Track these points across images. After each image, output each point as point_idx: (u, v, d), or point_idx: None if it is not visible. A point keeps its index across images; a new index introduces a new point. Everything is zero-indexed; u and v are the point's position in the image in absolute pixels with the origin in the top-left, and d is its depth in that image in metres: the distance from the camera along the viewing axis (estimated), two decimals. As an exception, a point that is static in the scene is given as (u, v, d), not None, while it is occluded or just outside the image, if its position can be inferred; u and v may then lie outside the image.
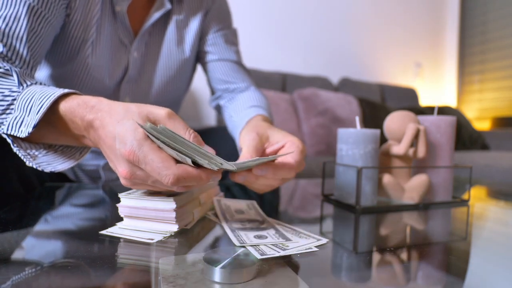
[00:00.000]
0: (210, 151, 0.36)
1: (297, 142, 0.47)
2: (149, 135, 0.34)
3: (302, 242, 0.37)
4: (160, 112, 0.37)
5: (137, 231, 0.39)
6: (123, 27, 0.70)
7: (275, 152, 0.48)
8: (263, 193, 0.47)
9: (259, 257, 0.32)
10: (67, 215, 0.50)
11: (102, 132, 0.38)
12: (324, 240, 0.38)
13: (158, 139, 0.33)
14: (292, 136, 0.49)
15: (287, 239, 0.37)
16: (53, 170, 0.46)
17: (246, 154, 0.46)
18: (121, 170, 0.36)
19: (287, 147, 0.47)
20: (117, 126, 0.36)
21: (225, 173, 0.83)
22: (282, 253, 0.33)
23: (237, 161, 0.39)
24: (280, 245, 0.36)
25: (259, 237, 0.38)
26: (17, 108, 0.45)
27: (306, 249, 0.35)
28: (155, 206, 0.39)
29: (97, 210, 0.54)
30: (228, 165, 0.35)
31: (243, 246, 0.34)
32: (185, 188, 0.36)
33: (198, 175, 0.34)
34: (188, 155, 0.33)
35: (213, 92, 0.87)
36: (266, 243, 0.36)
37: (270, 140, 0.49)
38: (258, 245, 0.35)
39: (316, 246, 0.36)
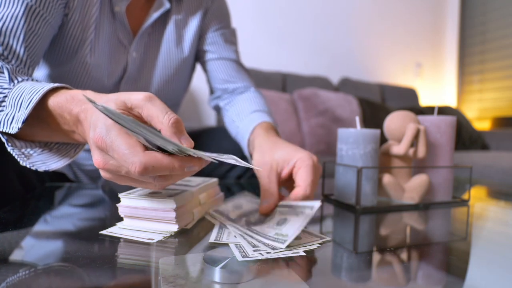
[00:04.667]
0: (187, 144, 0.33)
1: (305, 160, 0.47)
2: (111, 118, 0.30)
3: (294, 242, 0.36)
4: (137, 96, 0.35)
5: (137, 231, 0.39)
6: (122, 27, 0.69)
7: (289, 173, 0.49)
8: None
9: (240, 259, 0.31)
10: (67, 215, 0.50)
11: (86, 124, 0.37)
12: (316, 244, 0.38)
13: (112, 119, 0.30)
14: (299, 151, 0.49)
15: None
16: (47, 169, 0.46)
17: (267, 192, 0.47)
18: (94, 159, 0.34)
19: (298, 168, 0.47)
20: (93, 115, 0.35)
21: (220, 170, 0.83)
22: (266, 256, 0.32)
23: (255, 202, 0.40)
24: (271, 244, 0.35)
25: (284, 221, 0.37)
26: (8, 105, 0.44)
27: (292, 253, 0.34)
28: (155, 206, 0.39)
29: (97, 210, 0.54)
30: (199, 154, 0.32)
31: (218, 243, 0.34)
32: (162, 179, 0.33)
33: (169, 163, 0.31)
34: (140, 134, 0.30)
35: (212, 91, 0.87)
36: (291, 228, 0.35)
37: (280, 164, 0.50)
38: (242, 246, 0.34)
39: (308, 249, 0.36)
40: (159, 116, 0.33)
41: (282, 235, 0.35)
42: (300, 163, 0.47)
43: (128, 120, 0.29)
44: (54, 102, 0.42)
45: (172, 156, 0.32)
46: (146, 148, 0.32)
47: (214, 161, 0.33)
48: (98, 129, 0.32)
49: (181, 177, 0.35)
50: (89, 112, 0.37)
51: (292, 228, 0.35)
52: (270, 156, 0.51)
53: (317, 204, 0.37)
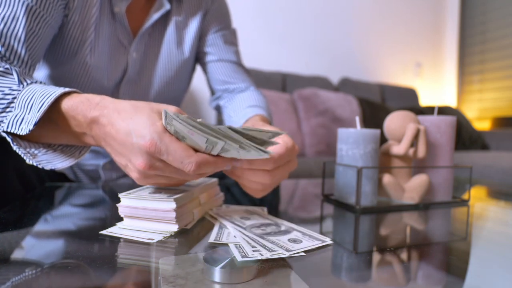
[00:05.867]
0: None
1: (285, 138, 0.46)
2: (177, 124, 0.35)
3: (304, 244, 0.37)
4: (169, 109, 0.39)
5: (137, 231, 0.39)
6: (122, 28, 0.69)
7: None
8: (260, 196, 0.47)
9: (239, 259, 0.30)
10: (67, 215, 0.50)
11: (112, 129, 0.39)
12: (327, 240, 0.38)
13: (193, 127, 0.35)
14: (286, 135, 0.48)
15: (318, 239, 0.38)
16: (53, 168, 0.46)
17: None
18: (139, 163, 0.37)
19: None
20: (130, 122, 0.37)
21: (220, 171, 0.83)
22: (266, 256, 0.32)
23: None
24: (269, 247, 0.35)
25: (294, 241, 0.37)
26: (18, 106, 0.45)
27: (292, 253, 0.33)
28: (155, 206, 0.39)
29: (97, 210, 0.54)
30: (253, 148, 0.36)
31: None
32: (201, 176, 0.40)
33: (215, 161, 0.37)
34: (220, 139, 0.35)
35: (213, 92, 0.87)
36: (303, 247, 0.35)
37: None
38: (242, 246, 0.34)
39: (319, 247, 0.36)
40: None
41: (288, 248, 0.35)
42: (279, 140, 0.45)
43: (208, 127, 0.35)
44: (67, 104, 0.43)
45: (216, 156, 0.38)
46: (195, 150, 0.37)
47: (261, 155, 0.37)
48: (148, 136, 0.35)
49: (214, 171, 0.40)
50: (114, 117, 0.39)
51: (302, 247, 0.35)
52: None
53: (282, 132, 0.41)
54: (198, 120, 0.36)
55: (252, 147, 0.36)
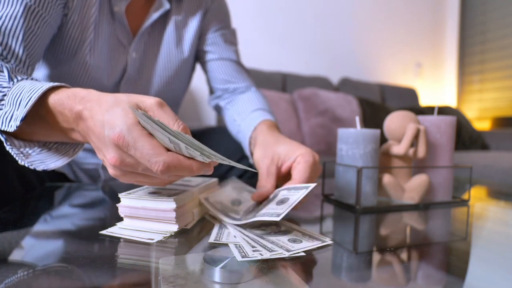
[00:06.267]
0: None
1: (306, 156, 0.48)
2: (141, 121, 0.33)
3: (303, 244, 0.37)
4: (150, 101, 0.37)
5: (137, 231, 0.39)
6: (122, 28, 0.69)
7: (289, 167, 0.50)
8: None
9: (239, 259, 0.30)
10: (67, 215, 0.50)
11: (91, 122, 0.37)
12: (327, 240, 0.38)
13: (151, 123, 0.32)
14: (302, 147, 0.50)
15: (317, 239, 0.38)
16: (45, 168, 0.45)
17: (264, 182, 0.49)
18: (110, 157, 0.35)
19: (297, 162, 0.48)
20: (105, 114, 0.35)
21: (221, 170, 0.83)
22: (266, 256, 0.32)
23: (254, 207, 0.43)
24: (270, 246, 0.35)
25: (294, 241, 0.37)
26: (7, 103, 0.44)
27: (292, 253, 0.33)
28: (155, 206, 0.39)
29: (97, 210, 0.54)
30: (219, 158, 0.34)
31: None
32: (176, 178, 0.36)
33: (189, 165, 0.34)
34: (182, 141, 0.32)
35: (212, 91, 0.87)
36: (303, 247, 0.35)
37: (281, 157, 0.50)
38: (242, 246, 0.34)
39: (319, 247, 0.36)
40: (170, 123, 0.36)
41: (277, 213, 0.36)
42: (300, 159, 0.48)
43: (169, 129, 0.32)
44: (54, 99, 0.42)
45: (191, 159, 0.34)
46: (168, 149, 0.34)
47: (228, 164, 0.36)
48: (117, 128, 0.33)
49: (190, 175, 0.37)
50: (94, 110, 0.37)
51: (287, 205, 0.37)
52: (272, 150, 0.52)
53: (312, 184, 0.40)
54: (156, 119, 0.33)
55: (214, 156, 0.34)
